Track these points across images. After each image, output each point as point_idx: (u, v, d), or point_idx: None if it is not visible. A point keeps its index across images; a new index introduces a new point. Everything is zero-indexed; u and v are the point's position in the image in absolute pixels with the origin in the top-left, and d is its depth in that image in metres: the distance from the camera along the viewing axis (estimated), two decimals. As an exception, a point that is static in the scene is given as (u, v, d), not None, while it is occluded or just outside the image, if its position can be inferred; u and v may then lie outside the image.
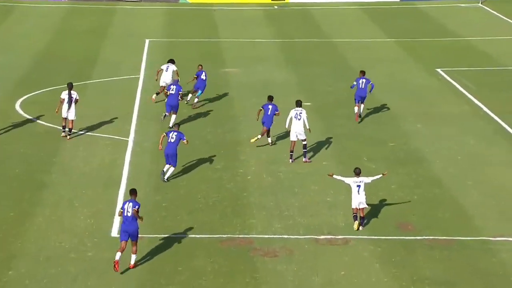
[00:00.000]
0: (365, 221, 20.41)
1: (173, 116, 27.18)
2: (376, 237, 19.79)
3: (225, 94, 31.95)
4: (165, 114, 27.64)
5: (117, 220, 20.48)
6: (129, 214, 18.08)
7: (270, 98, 26.01)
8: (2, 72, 34.45)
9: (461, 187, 22.69)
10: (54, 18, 46.47)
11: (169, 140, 22.94)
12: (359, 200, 20.09)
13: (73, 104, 26.29)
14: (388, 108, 30.15)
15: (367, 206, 20.26)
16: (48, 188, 22.55)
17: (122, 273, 17.98)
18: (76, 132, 26.84)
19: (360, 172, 20.32)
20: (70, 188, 22.62)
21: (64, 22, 45.82)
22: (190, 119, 28.58)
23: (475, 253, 19.07)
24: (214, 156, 24.96)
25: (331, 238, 19.72)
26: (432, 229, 20.14)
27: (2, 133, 26.77)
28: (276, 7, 51.51)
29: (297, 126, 24.25)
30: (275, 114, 25.52)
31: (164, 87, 29.46)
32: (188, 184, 22.97)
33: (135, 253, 18.24)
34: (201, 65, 30.64)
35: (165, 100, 27.83)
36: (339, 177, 20.64)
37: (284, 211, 21.21)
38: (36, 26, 44.02)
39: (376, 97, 30.55)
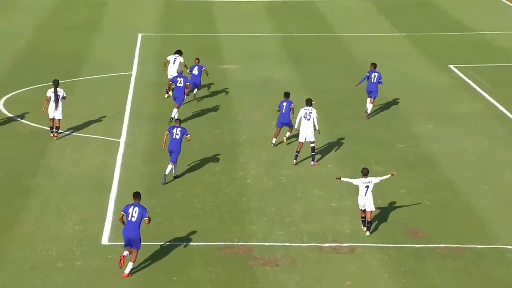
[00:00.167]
0: (372, 225, 20.46)
1: (175, 110, 27.54)
2: (384, 245, 19.84)
3: (223, 93, 32.02)
4: (171, 118, 27.66)
5: (107, 227, 20.54)
6: (134, 220, 18.08)
7: (287, 95, 25.93)
8: (-15, 68, 34.55)
9: (475, 191, 22.73)
10: (39, 10, 46.57)
11: (173, 137, 23.15)
12: (364, 202, 20.17)
13: (60, 103, 26.37)
14: (398, 107, 30.20)
15: (374, 209, 20.33)
16: (33, 193, 22.61)
17: (114, 283, 18.02)
18: (64, 133, 26.90)
19: (368, 173, 20.41)
20: (57, 192, 22.67)
21: (50, 15, 45.91)
22: (186, 119, 28.64)
23: (490, 262, 19.11)
24: (212, 158, 25.02)
25: (336, 246, 19.77)
26: (444, 236, 20.18)
27: (-16, 134, 26.85)
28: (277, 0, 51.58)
29: (306, 126, 24.28)
30: (291, 109, 25.46)
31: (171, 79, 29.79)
32: (184, 188, 23.02)
33: (133, 262, 18.28)
34: (197, 59, 30.76)
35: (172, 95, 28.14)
36: (346, 179, 20.73)
37: (286, 217, 21.26)
38: (20, 20, 44.10)
39: (384, 95, 30.61)
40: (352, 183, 20.53)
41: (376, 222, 20.84)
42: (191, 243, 19.85)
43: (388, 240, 20.03)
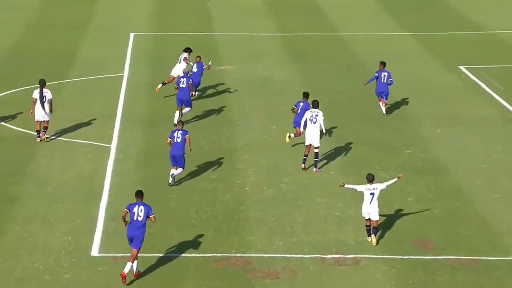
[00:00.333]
0: (378, 235, 20.42)
1: (186, 109, 27.82)
2: (390, 257, 19.80)
3: (221, 95, 32.01)
4: (175, 123, 27.63)
5: (98, 237, 20.50)
6: (140, 219, 18.28)
7: (305, 95, 25.97)
8: (-32, 69, 34.54)
9: (487, 200, 22.69)
10: (26, 8, 46.57)
11: (174, 141, 23.19)
12: (369, 210, 20.15)
13: (46, 105, 26.37)
14: (404, 110, 30.19)
15: (378, 219, 20.29)
16: (20, 201, 22.56)
17: (103, 297, 17.99)
18: (52, 137, 26.87)
19: (373, 179, 20.38)
20: (44, 200, 22.62)
21: (38, 13, 45.92)
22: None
23: (504, 275, 19.07)
24: (208, 164, 24.99)
25: (340, 257, 19.73)
26: (454, 247, 20.14)
27: (-33, 139, 26.83)
28: (277, -4, 51.56)
29: (312, 130, 24.28)
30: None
31: (175, 78, 29.79)
32: (178, 197, 22.98)
33: (132, 262, 18.26)
34: (198, 57, 30.94)
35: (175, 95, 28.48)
36: (350, 186, 20.72)
37: (286, 227, 21.23)
38: (5, 18, 44.09)
39: (390, 98, 30.59)
40: (356, 189, 20.51)
41: (381, 232, 20.80)
42: (186, 255, 19.80)
43: (395, 251, 19.99)
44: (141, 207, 18.47)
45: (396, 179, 20.82)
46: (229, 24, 44.01)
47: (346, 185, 20.82)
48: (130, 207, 18.53)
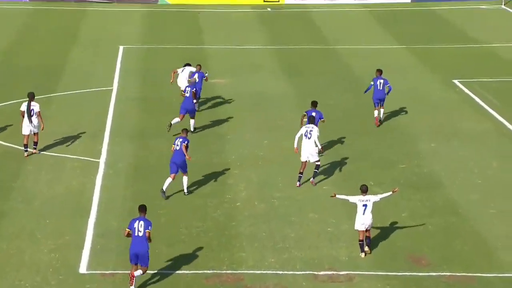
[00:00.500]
0: (371, 252, 20.46)
1: (191, 121, 28.59)
2: (384, 273, 19.85)
3: (211, 109, 32.07)
4: (170, 124, 28.46)
5: (86, 254, 20.48)
6: (141, 234, 18.44)
7: (314, 104, 26.23)
8: (-46, 83, 34.52)
9: (482, 216, 22.77)
10: (13, 20, 46.64)
11: (175, 148, 23.56)
12: (363, 222, 20.24)
13: (34, 118, 26.42)
14: (398, 124, 30.31)
15: (370, 228, 20.38)
16: (6, 217, 22.53)
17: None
18: (39, 152, 26.87)
19: (367, 190, 20.49)
20: (32, 216, 22.60)
21: (25, 25, 45.97)
22: (171, 137, 28.63)
23: (498, 291, 19.14)
24: (199, 179, 25.01)
25: (332, 274, 19.76)
26: (449, 264, 20.20)
27: (-47, 154, 26.80)
28: (269, 9, 51.87)
29: (308, 145, 24.34)
30: (320, 122, 25.74)
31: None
32: (168, 212, 22.99)
33: (143, 273, 18.59)
34: (199, 65, 31.43)
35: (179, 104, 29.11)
36: (343, 196, 20.82)
37: (278, 242, 21.25)
38: (-7, 30, 44.14)
39: (385, 112, 30.72)
40: (348, 200, 20.64)
41: (375, 247, 20.85)
42: (176, 271, 19.80)
43: (389, 268, 20.04)
44: (141, 222, 18.64)
45: (390, 192, 20.92)
46: (219, 36, 44.16)
47: (337, 196, 20.93)
48: (131, 223, 18.71)
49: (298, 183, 24.55)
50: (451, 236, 21.58)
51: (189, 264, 20.09)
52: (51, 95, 33.39)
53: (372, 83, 29.59)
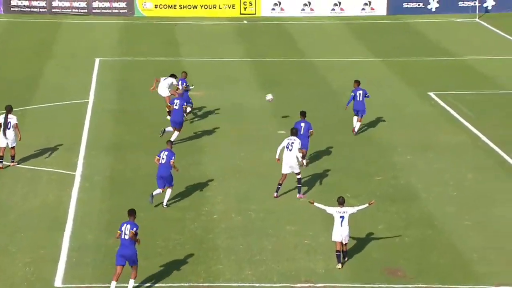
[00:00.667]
0: (348, 264, 20.53)
1: (175, 133, 28.46)
2: (361, 285, 19.91)
3: (189, 121, 32.06)
4: (164, 130, 28.70)
5: (61, 268, 20.38)
6: (127, 237, 18.92)
7: (303, 114, 26.40)
8: None
9: (458, 228, 22.92)
10: (-11, 33, 46.38)
11: (160, 162, 23.58)
12: (341, 233, 20.35)
13: (11, 131, 26.34)
14: (374, 137, 30.47)
15: (348, 242, 20.49)
16: (-19, 231, 22.37)
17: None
18: (17, 165, 26.74)
19: (344, 202, 20.62)
20: (6, 230, 22.45)
21: (1, 38, 45.71)
22: (148, 149, 28.61)
23: (474, 303, 19.27)
24: (176, 192, 24.97)
25: (309, 286, 19.80)
26: (425, 276, 20.31)
27: None
28: (246, 21, 52.04)
29: (289, 158, 24.33)
30: (309, 133, 25.99)
31: (168, 97, 30.87)
32: (145, 226, 22.91)
33: (134, 278, 18.99)
34: (184, 72, 31.62)
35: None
36: (320, 206, 20.94)
37: (255, 255, 21.27)
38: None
39: (362, 124, 30.87)
40: (326, 210, 20.77)
41: (351, 260, 20.92)
42: (153, 285, 19.74)
43: (365, 280, 20.11)
44: (128, 225, 19.04)
45: (367, 204, 21.04)
46: (196, 49, 44.19)
47: (315, 204, 21.05)
48: (121, 226, 19.22)
49: (275, 194, 24.59)
50: (427, 248, 21.70)
51: (166, 277, 20.04)
52: (26, 107, 33.24)
53: (352, 94, 30.01)
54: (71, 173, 26.42)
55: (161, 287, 19.65)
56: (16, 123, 26.62)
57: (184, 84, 31.25)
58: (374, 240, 22.03)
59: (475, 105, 34.27)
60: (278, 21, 51.72)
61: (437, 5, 53.41)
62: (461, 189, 25.57)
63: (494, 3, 53.53)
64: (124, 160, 27.79)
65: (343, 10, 53.34)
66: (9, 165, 26.50)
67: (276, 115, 32.90)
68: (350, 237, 20.74)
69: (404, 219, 23.43)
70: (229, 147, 29.30)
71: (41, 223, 22.83)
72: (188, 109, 31.35)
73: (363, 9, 53.33)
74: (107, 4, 52.48)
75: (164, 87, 31.39)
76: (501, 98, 35.41)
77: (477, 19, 51.60)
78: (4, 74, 38.01)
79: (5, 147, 26.50)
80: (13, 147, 26.56)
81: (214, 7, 52.96)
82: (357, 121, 30.05)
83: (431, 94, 35.85)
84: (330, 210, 20.69)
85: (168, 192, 23.85)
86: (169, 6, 52.90)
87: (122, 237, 19.07)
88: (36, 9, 51.67)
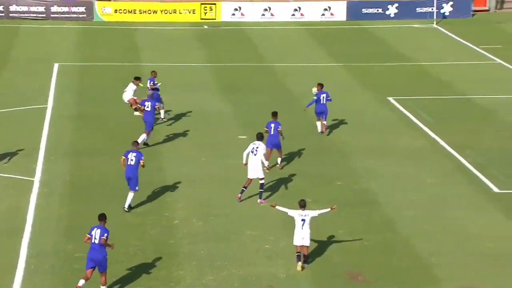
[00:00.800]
0: (309, 268, 20.59)
1: (143, 135, 28.64)
2: (322, 290, 19.96)
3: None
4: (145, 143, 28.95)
5: (19, 276, 20.12)
6: (97, 242, 18.84)
7: (274, 115, 27.02)
8: None
9: (417, 232, 23.08)
10: None
11: (128, 163, 23.51)
12: (302, 236, 20.41)
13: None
14: (335, 141, 30.60)
15: (309, 245, 20.57)
16: None
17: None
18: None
19: (305, 205, 20.70)
20: (-36, 237, 22.13)
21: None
22: (108, 154, 28.43)
23: (434, 306, 19.40)
24: (137, 198, 24.76)
25: (271, 291, 19.80)
26: (386, 279, 20.41)
27: None
28: (206, 26, 51.99)
29: (253, 162, 24.42)
30: (278, 132, 26.68)
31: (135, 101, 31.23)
32: (104, 231, 22.73)
33: (104, 285, 18.73)
34: (153, 71, 31.87)
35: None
36: (282, 208, 20.99)
37: (216, 260, 21.22)
38: None
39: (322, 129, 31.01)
40: (287, 213, 20.84)
41: (313, 264, 20.97)
42: (113, 291, 19.59)
43: (326, 285, 20.16)
44: (98, 230, 18.97)
45: (329, 209, 21.12)
46: (157, 54, 44.04)
47: (277, 207, 21.11)
48: (90, 230, 19.12)
49: (239, 195, 24.59)
50: (387, 253, 21.82)
51: (127, 284, 19.89)
52: (-16, 112, 32.83)
53: (315, 97, 30.32)
54: (30, 179, 26.13)
55: (121, 294, 19.50)
56: None
57: (151, 82, 31.41)
58: (335, 245, 22.10)
59: (433, 110, 34.61)
60: (238, 26, 51.77)
61: (396, 11, 53.88)
62: (420, 193, 25.78)
63: (451, 9, 54.17)
64: (83, 165, 27.56)
65: (303, 15, 53.56)
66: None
67: (237, 120, 32.88)
68: (311, 240, 20.78)
69: (364, 223, 23.55)
70: (190, 152, 29.22)
71: (-1, 230, 22.52)
72: (162, 111, 31.49)
73: (323, 14, 53.61)
74: (65, 9, 52.07)
75: (127, 93, 31.33)
76: (458, 103, 35.83)
77: (434, 25, 52.16)
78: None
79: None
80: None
81: (174, 12, 52.85)
82: (323, 122, 30.54)
83: (391, 99, 36.11)
84: (291, 213, 20.76)
85: (131, 195, 23.73)
86: (129, 11, 52.67)
87: (92, 241, 18.94)
88: (-7, 14, 51.10)
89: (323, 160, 28.61)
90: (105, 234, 18.94)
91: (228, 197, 25.07)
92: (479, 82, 39.08)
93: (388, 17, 53.79)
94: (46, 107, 33.92)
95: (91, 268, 18.91)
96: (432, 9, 52.96)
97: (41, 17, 51.55)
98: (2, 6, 51.13)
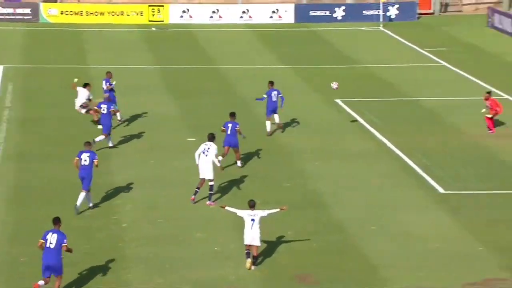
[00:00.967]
0: (257, 270, 20.64)
1: (101, 137, 28.57)
2: (271, 292, 20.00)
3: (97, 130, 31.63)
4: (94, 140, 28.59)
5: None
6: (52, 246, 18.51)
7: (232, 115, 27.42)
8: None
9: (365, 233, 23.27)
10: None
11: (82, 163, 23.44)
12: (251, 236, 20.45)
13: None
14: (283, 144, 30.71)
15: (259, 245, 20.60)
16: None
17: None
18: None
19: (254, 205, 20.76)
20: None
21: None
22: (54, 158, 28.11)
23: (381, 306, 19.58)
24: (84, 201, 24.55)
25: (221, 293, 19.79)
26: (334, 281, 20.54)
27: None
28: (154, 28, 51.76)
29: (204, 163, 24.42)
30: (236, 131, 27.03)
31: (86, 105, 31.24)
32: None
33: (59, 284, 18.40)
34: (109, 72, 31.81)
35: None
36: (232, 209, 21.01)
37: (165, 263, 21.14)
38: None
39: (270, 131, 31.08)
40: (237, 213, 20.88)
41: (262, 266, 21.01)
42: (61, 296, 19.37)
43: (275, 286, 20.21)
44: (54, 234, 18.66)
45: (278, 209, 21.20)
46: (104, 56, 43.71)
47: (227, 208, 21.13)
48: (44, 234, 18.70)
49: (193, 197, 24.55)
50: (335, 254, 21.97)
51: (74, 288, 19.70)
52: None
53: (265, 95, 30.71)
54: (-25, 183, 25.70)
55: (69, 298, 19.30)
56: None
57: (107, 83, 31.25)
58: (284, 246, 22.18)
59: (380, 112, 34.96)
60: (187, 28, 51.66)
61: (343, 13, 54.32)
62: (367, 195, 26.00)
63: (397, 12, 54.80)
64: (29, 170, 27.20)
65: (251, 17, 53.67)
66: None
67: (185, 122, 32.80)
68: (261, 241, 20.81)
69: (312, 225, 23.68)
70: (138, 155, 29.06)
71: None
72: (118, 113, 31.29)
73: (271, 17, 53.79)
74: (10, 10, 51.37)
75: (79, 99, 31.03)
76: (405, 105, 36.25)
77: (381, 28, 52.71)
78: None
79: None
80: None
81: (121, 14, 52.53)
82: (273, 120, 30.85)
83: (338, 101, 36.38)
84: (241, 213, 20.79)
85: (83, 195, 23.56)
86: (75, 12, 52.19)
87: (47, 245, 18.58)
88: None
89: (272, 162, 28.69)
90: (65, 240, 18.66)
91: (177, 199, 24.99)
92: (424, 84, 39.61)
93: (335, 19, 54.19)
94: (-9, 110, 33.41)
95: (48, 277, 18.62)
96: (379, 12, 53.51)
97: (-15, 18, 50.79)
98: None
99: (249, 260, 20.50)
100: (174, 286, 20.02)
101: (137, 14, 52.60)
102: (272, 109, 30.83)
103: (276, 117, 31.25)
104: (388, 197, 25.79)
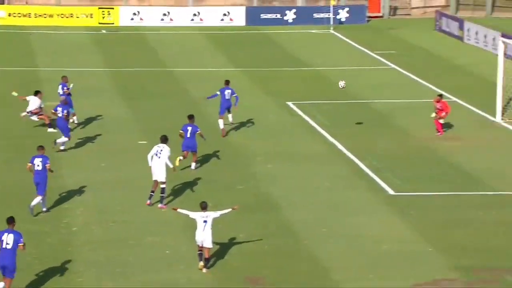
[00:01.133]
0: (209, 272, 20.61)
1: (63, 138, 28.51)
2: (223, 294, 20.00)
3: (46, 133, 31.30)
4: (55, 141, 28.69)
5: None
6: (9, 247, 18.31)
7: (190, 117, 27.35)
8: None
9: (316, 236, 23.37)
10: None
11: (35, 168, 23.35)
12: (203, 238, 20.43)
13: None
14: (235, 147, 30.73)
15: (211, 247, 20.59)
16: None
17: None
18: None
19: (206, 206, 20.76)
20: None
21: None
22: (3, 163, 27.71)
23: (332, 309, 19.69)
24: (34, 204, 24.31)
25: (172, 297, 19.73)
26: (286, 283, 20.60)
27: None
28: (104, 31, 51.40)
29: (157, 165, 24.33)
30: (196, 134, 27.09)
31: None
32: (1, 240, 22.17)
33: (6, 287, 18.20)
34: (65, 77, 31.65)
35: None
36: (183, 211, 20.99)
37: (116, 267, 21.00)
38: None
39: (219, 132, 31.08)
40: (189, 215, 20.84)
41: (213, 268, 20.99)
42: (10, 301, 19.11)
43: (227, 289, 20.22)
44: (10, 234, 18.42)
45: (230, 209, 21.22)
46: (54, 59, 43.28)
47: (179, 210, 21.09)
48: (0, 235, 18.42)
49: (148, 201, 24.42)
50: (286, 256, 22.03)
51: (24, 293, 19.46)
52: None
53: (218, 93, 30.83)
54: None
55: (18, 303, 19.06)
56: None
57: (64, 88, 31.03)
58: (236, 248, 22.19)
59: (331, 114, 35.18)
60: (137, 31, 51.41)
61: (294, 16, 54.56)
62: (318, 197, 26.14)
63: (347, 15, 55.22)
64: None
65: (202, 20, 53.62)
66: None
67: (137, 125, 32.62)
68: (213, 242, 20.78)
69: (264, 227, 23.72)
70: (89, 158, 28.83)
71: None
72: (75, 117, 31.07)
73: (222, 19, 53.80)
74: (-43, 12, 50.58)
75: (33, 104, 30.82)
76: (354, 108, 36.53)
77: (331, 31, 53.06)
78: None
79: None
80: None
81: (71, 16, 52.05)
82: (223, 117, 30.88)
83: (290, 104, 36.53)
84: (193, 215, 20.76)
85: (37, 199, 23.43)
86: (23, 14, 51.59)
87: (3, 246, 18.39)
88: None
89: (224, 164, 28.69)
90: (21, 239, 18.55)
91: (127, 203, 24.84)
92: (374, 87, 39.96)
93: (286, 22, 54.40)
94: None
95: (4, 276, 18.46)
96: (329, 15, 53.85)
97: None
98: None
99: (201, 263, 20.48)
100: (126, 290, 19.90)
101: (87, 17, 52.18)
102: (226, 108, 30.95)
103: (230, 117, 31.34)
104: (339, 199, 25.96)
